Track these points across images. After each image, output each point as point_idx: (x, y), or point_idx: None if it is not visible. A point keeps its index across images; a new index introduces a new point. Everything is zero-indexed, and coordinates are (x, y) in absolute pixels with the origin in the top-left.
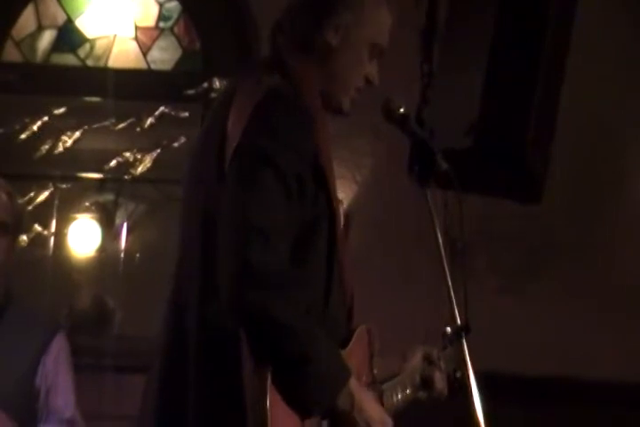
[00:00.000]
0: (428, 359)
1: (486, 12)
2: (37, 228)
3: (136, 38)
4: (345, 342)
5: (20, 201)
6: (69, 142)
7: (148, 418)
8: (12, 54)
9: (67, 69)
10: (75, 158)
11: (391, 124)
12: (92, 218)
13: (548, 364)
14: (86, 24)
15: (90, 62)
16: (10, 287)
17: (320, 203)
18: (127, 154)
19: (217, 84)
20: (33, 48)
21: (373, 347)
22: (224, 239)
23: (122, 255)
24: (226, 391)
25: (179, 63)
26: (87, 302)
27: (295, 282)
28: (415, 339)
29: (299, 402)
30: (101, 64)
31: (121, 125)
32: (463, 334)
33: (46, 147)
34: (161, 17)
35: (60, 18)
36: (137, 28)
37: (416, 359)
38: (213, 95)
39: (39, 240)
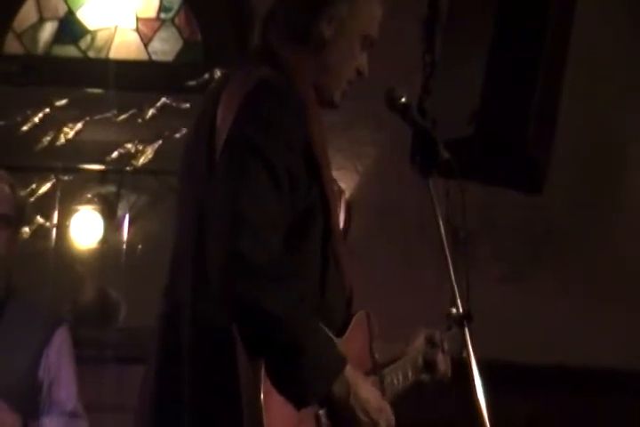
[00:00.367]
0: (430, 342)
1: (488, 2)
2: (39, 220)
3: (137, 29)
4: (343, 329)
5: (22, 193)
6: (71, 134)
7: (145, 413)
8: (13, 46)
9: (68, 61)
10: (76, 150)
11: (393, 113)
12: (94, 209)
13: (549, 353)
14: (87, 15)
15: (91, 54)
16: (11, 280)
17: (313, 193)
18: (129, 145)
19: (218, 74)
20: (34, 40)
21: (373, 331)
22: (214, 231)
23: (124, 247)
24: (221, 385)
25: (180, 54)
26: (91, 297)
27: (288, 272)
28: (417, 327)
29: (294, 393)
30: (103, 55)
31: (122, 117)
32: (465, 323)
33: (48, 138)
34: (162, 8)
35: (61, 9)
36: (138, 19)
37: (418, 342)
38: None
39: (41, 232)
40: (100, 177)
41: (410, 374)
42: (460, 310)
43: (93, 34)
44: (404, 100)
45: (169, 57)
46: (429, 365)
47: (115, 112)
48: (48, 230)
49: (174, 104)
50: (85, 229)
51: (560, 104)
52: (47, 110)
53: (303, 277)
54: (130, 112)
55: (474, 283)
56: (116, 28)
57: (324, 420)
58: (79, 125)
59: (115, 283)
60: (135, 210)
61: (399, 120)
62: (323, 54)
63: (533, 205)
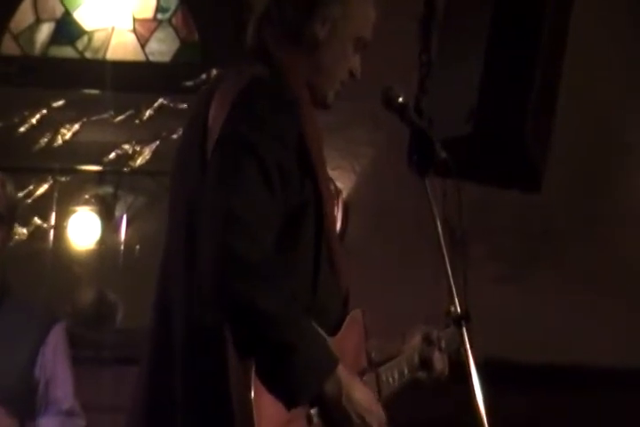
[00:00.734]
0: (427, 340)
1: (485, 0)
2: (37, 221)
3: (134, 30)
4: (338, 329)
5: (20, 194)
6: (68, 135)
7: (137, 414)
8: (10, 47)
9: (65, 62)
10: (74, 151)
11: (390, 113)
12: (92, 210)
13: (547, 351)
14: (84, 16)
15: (88, 55)
16: (6, 280)
17: (306, 190)
18: (126, 146)
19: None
20: (31, 41)
21: (367, 330)
22: (206, 229)
23: (121, 247)
24: (211, 385)
25: (177, 55)
26: (88, 299)
27: (280, 270)
28: (415, 325)
29: (285, 393)
30: (100, 56)
31: (120, 118)
32: (463, 323)
33: (45, 139)
34: (159, 9)
35: (58, 10)
36: (135, 19)
37: (415, 340)
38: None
39: (39, 233)
40: (98, 178)
41: (406, 372)
42: (458, 310)
43: (90, 35)
44: (400, 99)
45: (166, 57)
46: (425, 363)
47: (112, 113)
48: (45, 231)
49: (171, 105)
50: (83, 229)
51: (557, 102)
52: (44, 111)
53: (294, 276)
54: (127, 113)
55: (471, 282)
56: (112, 28)
57: (315, 420)
58: (76, 126)
59: (112, 284)
60: (133, 211)
61: (396, 120)
62: (316, 55)
63: (531, 203)
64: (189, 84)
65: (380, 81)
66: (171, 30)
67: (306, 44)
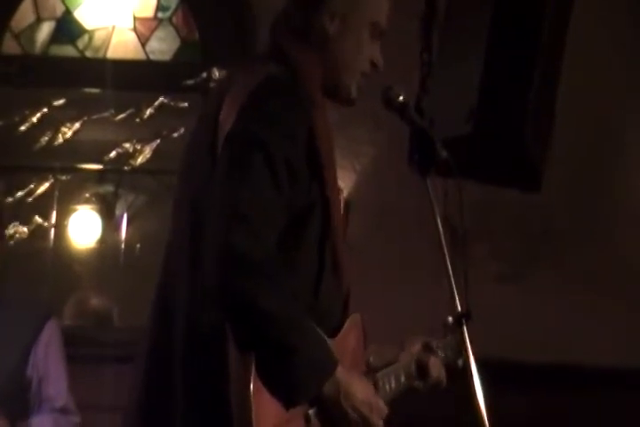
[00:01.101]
0: (426, 348)
1: (485, 0)
2: (38, 219)
3: (135, 29)
4: (338, 330)
5: (21, 193)
6: (69, 134)
7: (135, 411)
8: (10, 46)
9: (66, 61)
10: (74, 150)
11: (391, 112)
12: (93, 209)
13: (548, 351)
14: (85, 15)
15: (89, 53)
16: None
17: (313, 190)
18: (127, 145)
19: (216, 74)
20: (32, 40)
21: (367, 334)
22: (212, 226)
23: (122, 246)
24: (210, 382)
25: (177, 54)
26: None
27: (282, 270)
28: (416, 327)
29: (284, 392)
30: (100, 55)
31: (120, 116)
32: (464, 322)
33: (46, 138)
34: (159, 7)
35: (59, 9)
36: (135, 18)
37: (415, 349)
38: (212, 85)
39: (39, 232)
40: (98, 177)
41: (403, 379)
42: (459, 309)
43: (91, 33)
44: (401, 98)
45: (166, 56)
46: (421, 369)
47: (112, 112)
48: (46, 230)
49: (172, 103)
50: (83, 228)
51: (558, 102)
52: (45, 110)
53: (297, 276)
54: (128, 112)
55: (472, 281)
56: (113, 27)
57: (313, 419)
58: (77, 125)
59: (113, 282)
60: (133, 209)
61: (397, 119)
62: (330, 50)
63: (531, 203)
64: (190, 82)
65: (380, 80)
66: (171, 29)
67: (317, 40)
